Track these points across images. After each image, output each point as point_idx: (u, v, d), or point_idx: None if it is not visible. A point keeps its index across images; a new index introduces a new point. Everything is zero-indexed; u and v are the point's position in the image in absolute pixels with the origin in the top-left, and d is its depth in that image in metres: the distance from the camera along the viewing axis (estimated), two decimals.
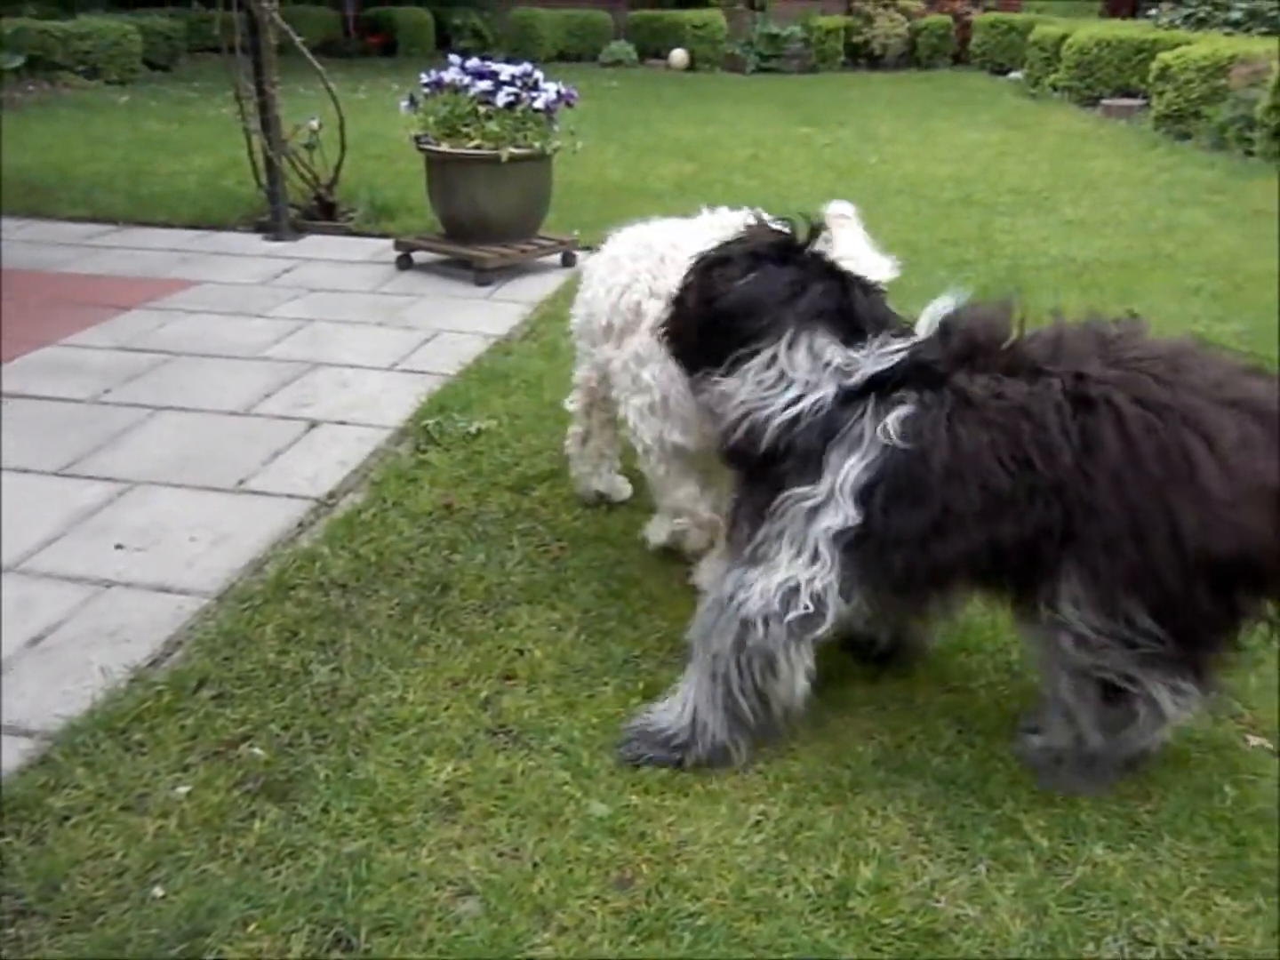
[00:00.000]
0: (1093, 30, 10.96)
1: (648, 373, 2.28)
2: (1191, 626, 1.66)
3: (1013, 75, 13.37)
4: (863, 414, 1.76)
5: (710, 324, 1.92)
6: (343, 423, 3.33)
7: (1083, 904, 1.63)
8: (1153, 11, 11.26)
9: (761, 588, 1.80)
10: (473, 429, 3.22)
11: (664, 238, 2.35)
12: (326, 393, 3.57)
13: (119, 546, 2.59)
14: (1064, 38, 11.16)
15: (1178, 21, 10.50)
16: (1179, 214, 6.10)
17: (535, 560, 2.57)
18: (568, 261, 5.07)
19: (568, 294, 4.66)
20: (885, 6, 15.19)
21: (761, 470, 1.85)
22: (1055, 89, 11.17)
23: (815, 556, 1.77)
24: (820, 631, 1.81)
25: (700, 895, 1.63)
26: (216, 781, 1.82)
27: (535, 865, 1.68)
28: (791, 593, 1.78)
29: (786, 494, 1.79)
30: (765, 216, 2.11)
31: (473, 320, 4.30)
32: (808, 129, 9.52)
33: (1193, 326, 4.16)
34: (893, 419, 1.73)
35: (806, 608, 1.77)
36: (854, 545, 1.76)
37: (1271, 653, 2.20)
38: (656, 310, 2.20)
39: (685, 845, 1.73)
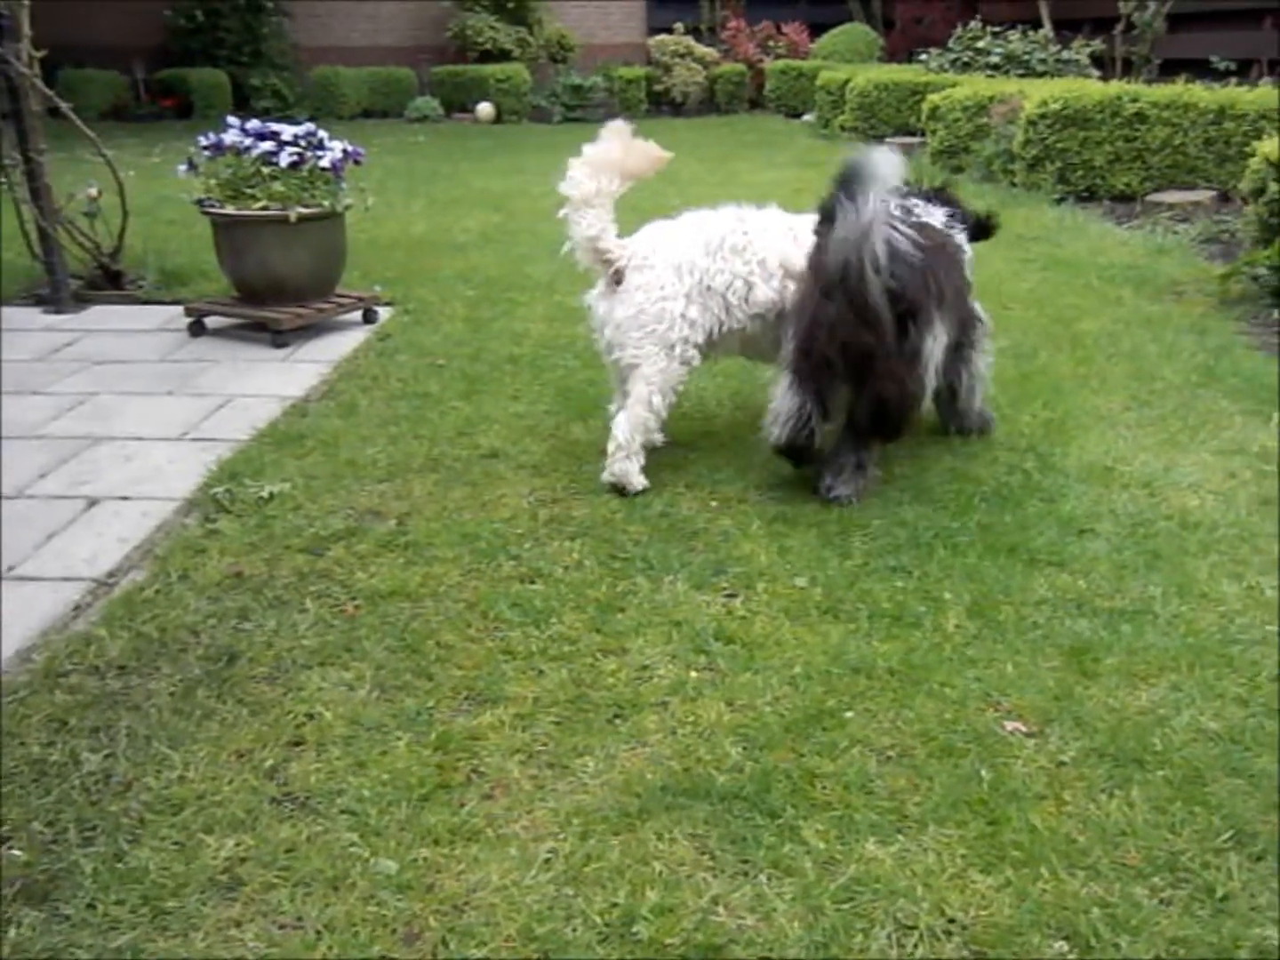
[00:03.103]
0: (871, 75, 11.70)
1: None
2: None
3: (805, 117, 14.09)
4: None
5: None
6: (125, 498, 3.19)
7: (855, 899, 1.71)
8: (924, 56, 12.09)
9: None
10: (265, 494, 3.14)
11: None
12: (108, 468, 3.41)
13: None
14: (847, 82, 11.87)
15: (945, 65, 11.32)
16: None
17: (329, 621, 2.52)
18: (369, 318, 5.02)
19: (368, 351, 4.62)
20: (681, 56, 15.81)
21: None
22: (843, 129, 11.83)
23: None
24: None
25: (487, 940, 1.63)
26: None
27: (318, 933, 1.65)
28: None
29: None
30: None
31: (268, 384, 4.20)
32: None
33: None
34: None
35: None
36: None
37: (1026, 642, 2.39)
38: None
39: (474, 892, 1.72)
